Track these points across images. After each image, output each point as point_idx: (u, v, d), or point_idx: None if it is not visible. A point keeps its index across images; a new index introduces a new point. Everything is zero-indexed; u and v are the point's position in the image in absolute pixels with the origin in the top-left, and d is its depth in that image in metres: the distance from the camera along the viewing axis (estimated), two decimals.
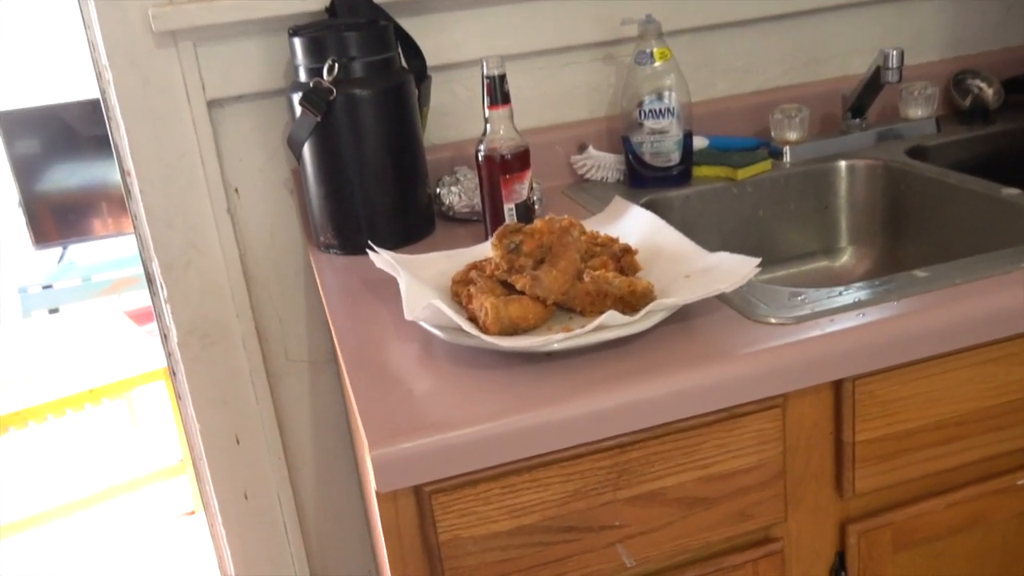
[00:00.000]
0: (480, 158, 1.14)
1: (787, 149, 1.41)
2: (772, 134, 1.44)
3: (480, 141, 1.14)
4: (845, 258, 1.42)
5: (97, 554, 2.59)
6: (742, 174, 1.35)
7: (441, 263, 1.06)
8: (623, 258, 0.97)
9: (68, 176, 3.70)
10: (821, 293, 0.94)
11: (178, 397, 1.48)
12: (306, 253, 1.40)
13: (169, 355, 1.45)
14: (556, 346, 0.84)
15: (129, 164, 1.32)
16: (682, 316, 0.92)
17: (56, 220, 3.77)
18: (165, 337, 1.44)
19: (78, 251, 4.03)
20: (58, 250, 4.01)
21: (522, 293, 0.90)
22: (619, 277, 0.90)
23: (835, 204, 1.41)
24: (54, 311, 3.92)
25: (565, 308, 0.94)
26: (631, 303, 0.90)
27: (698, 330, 0.90)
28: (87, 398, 3.05)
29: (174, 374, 1.46)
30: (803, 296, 0.94)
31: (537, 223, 0.94)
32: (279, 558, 1.54)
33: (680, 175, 1.35)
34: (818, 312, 0.90)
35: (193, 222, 1.35)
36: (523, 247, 0.92)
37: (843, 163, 1.40)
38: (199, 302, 1.39)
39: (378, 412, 0.81)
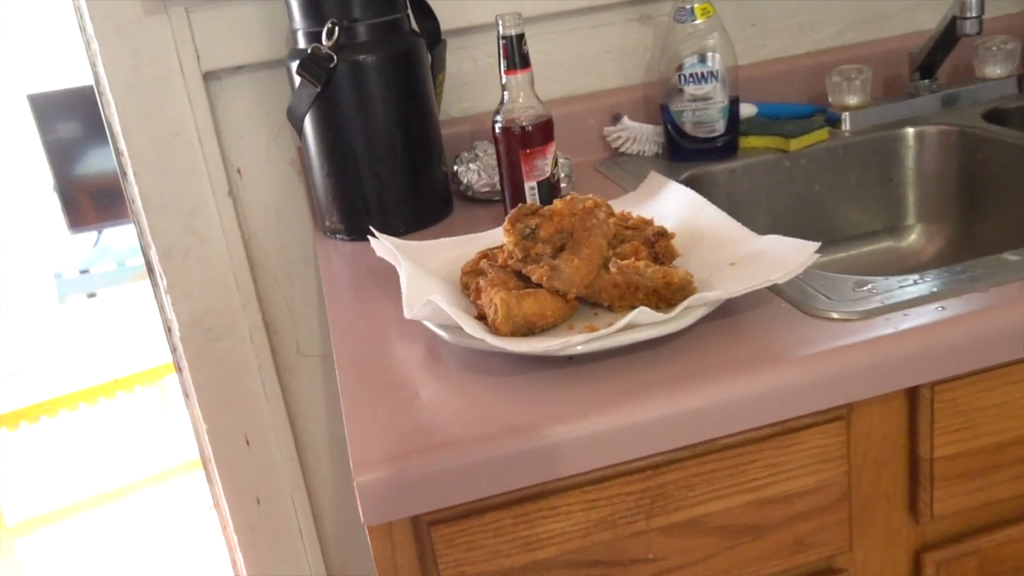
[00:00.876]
0: (497, 130, 1.01)
1: (846, 116, 1.26)
2: (829, 99, 1.30)
3: (497, 111, 1.01)
4: (913, 237, 1.27)
5: (129, 546, 2.53)
6: (795, 145, 1.22)
7: (451, 250, 0.94)
8: (657, 243, 0.83)
9: (103, 159, 3.63)
10: (891, 282, 0.80)
11: (184, 395, 1.38)
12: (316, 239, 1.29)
13: (174, 350, 1.35)
14: (580, 348, 0.72)
15: (121, 143, 1.22)
16: (727, 311, 0.78)
17: (92, 203, 3.71)
18: (169, 331, 1.34)
19: (113, 235, 3.98)
20: (93, 234, 3.96)
21: (539, 286, 0.78)
22: (652, 266, 0.77)
23: (901, 176, 1.26)
24: (92, 296, 3.89)
25: (590, 302, 0.81)
26: (666, 296, 0.77)
27: (746, 327, 0.77)
28: (119, 386, 3.00)
29: (180, 370, 1.36)
30: (870, 286, 0.80)
31: (556, 204, 0.82)
32: (295, 566, 1.44)
33: (725, 147, 1.22)
34: (889, 305, 0.76)
35: (192, 206, 1.25)
36: (540, 232, 0.79)
37: (911, 130, 1.25)
38: (201, 293, 1.28)
39: (369, 428, 0.70)
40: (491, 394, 0.72)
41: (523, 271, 0.79)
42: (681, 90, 1.19)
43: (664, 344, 0.75)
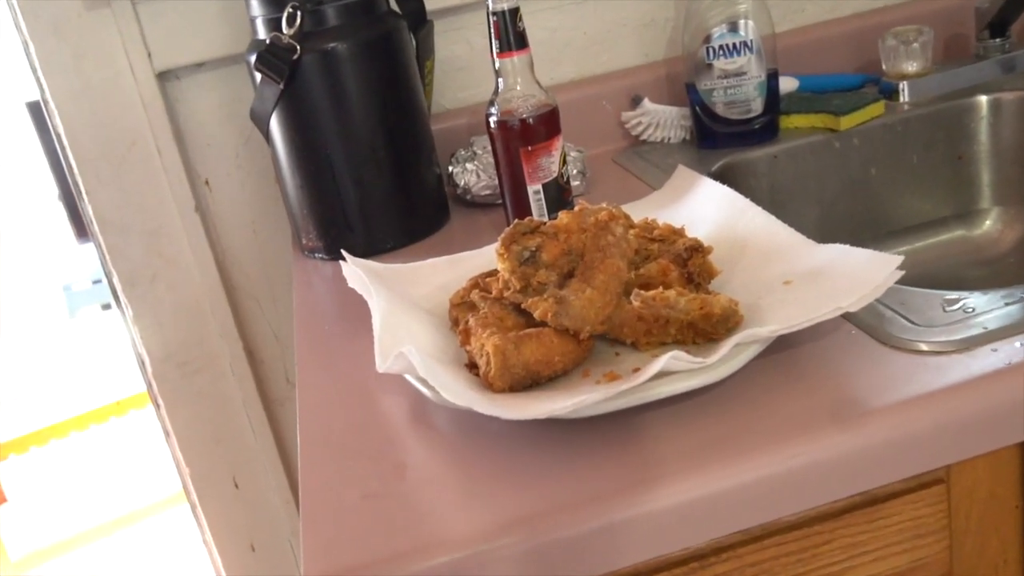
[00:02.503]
0: (492, 125, 0.85)
1: (904, 85, 1.10)
2: (883, 67, 1.14)
3: (491, 102, 0.85)
4: (988, 223, 1.10)
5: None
6: (846, 123, 1.07)
7: (442, 273, 0.78)
8: (691, 260, 0.67)
9: None
10: (993, 298, 0.63)
11: (164, 434, 1.24)
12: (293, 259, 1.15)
13: (149, 386, 1.21)
14: (595, 411, 0.56)
15: (71, 157, 1.08)
16: (782, 343, 0.62)
17: None
18: (142, 364, 1.19)
19: None
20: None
21: (544, 323, 0.61)
22: (685, 294, 0.60)
23: (972, 154, 1.10)
24: (107, 307, 3.79)
25: (609, 337, 0.65)
26: (705, 331, 0.61)
27: (808, 366, 0.60)
28: (130, 405, 2.90)
29: (157, 407, 1.22)
30: (964, 303, 0.64)
31: (563, 218, 0.65)
32: None
33: (764, 129, 1.07)
34: (993, 331, 0.60)
35: (154, 225, 1.10)
36: (542, 255, 0.63)
37: (983, 98, 1.08)
38: (172, 322, 1.14)
39: (330, 520, 0.55)
40: (488, 467, 0.57)
41: (523, 305, 0.63)
42: (710, 65, 1.04)
43: (704, 393, 0.59)
